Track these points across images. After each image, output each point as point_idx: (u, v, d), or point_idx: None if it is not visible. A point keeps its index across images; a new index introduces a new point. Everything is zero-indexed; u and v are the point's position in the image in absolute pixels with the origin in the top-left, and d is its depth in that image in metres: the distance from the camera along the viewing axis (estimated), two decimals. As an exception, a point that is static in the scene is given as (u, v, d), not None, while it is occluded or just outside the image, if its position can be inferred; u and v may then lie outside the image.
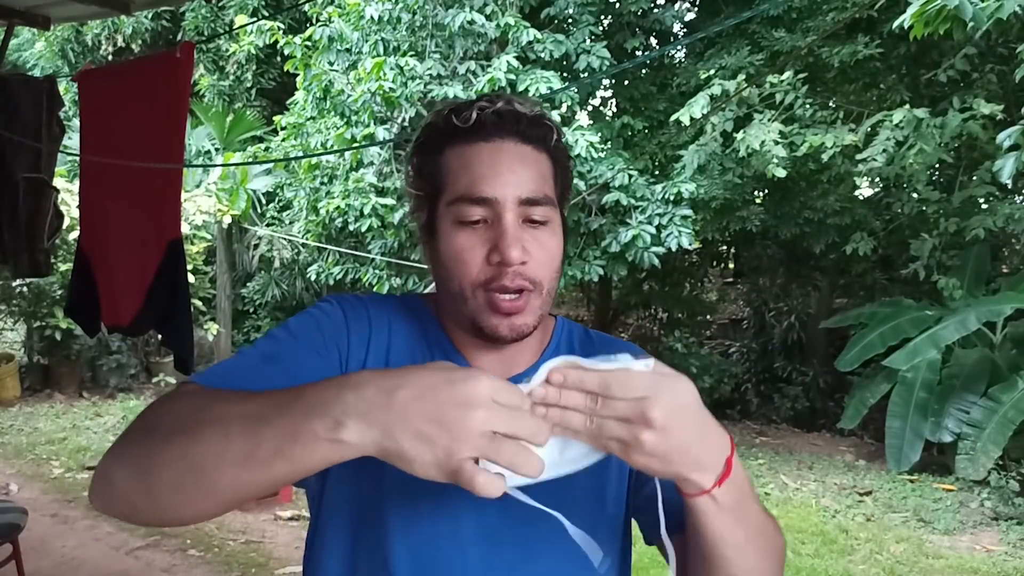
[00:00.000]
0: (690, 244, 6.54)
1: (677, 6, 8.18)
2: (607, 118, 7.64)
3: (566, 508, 0.68)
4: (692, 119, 5.80)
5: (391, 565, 0.77)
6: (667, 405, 0.59)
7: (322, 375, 0.67)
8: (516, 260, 0.75)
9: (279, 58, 8.03)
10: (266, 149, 8.24)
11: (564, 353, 0.86)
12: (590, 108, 8.09)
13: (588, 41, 6.58)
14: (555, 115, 6.14)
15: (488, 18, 6.21)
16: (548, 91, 6.00)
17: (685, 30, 8.22)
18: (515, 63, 6.14)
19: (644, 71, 7.59)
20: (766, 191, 7.82)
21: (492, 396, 0.56)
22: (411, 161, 0.83)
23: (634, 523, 0.90)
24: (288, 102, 7.70)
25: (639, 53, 7.04)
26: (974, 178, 6.19)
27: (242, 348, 0.84)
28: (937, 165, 6.51)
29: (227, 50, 9.58)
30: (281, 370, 0.74)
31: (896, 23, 4.53)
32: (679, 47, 7.96)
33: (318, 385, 0.60)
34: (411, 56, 6.34)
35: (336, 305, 0.83)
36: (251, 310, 9.69)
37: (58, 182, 3.63)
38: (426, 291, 0.89)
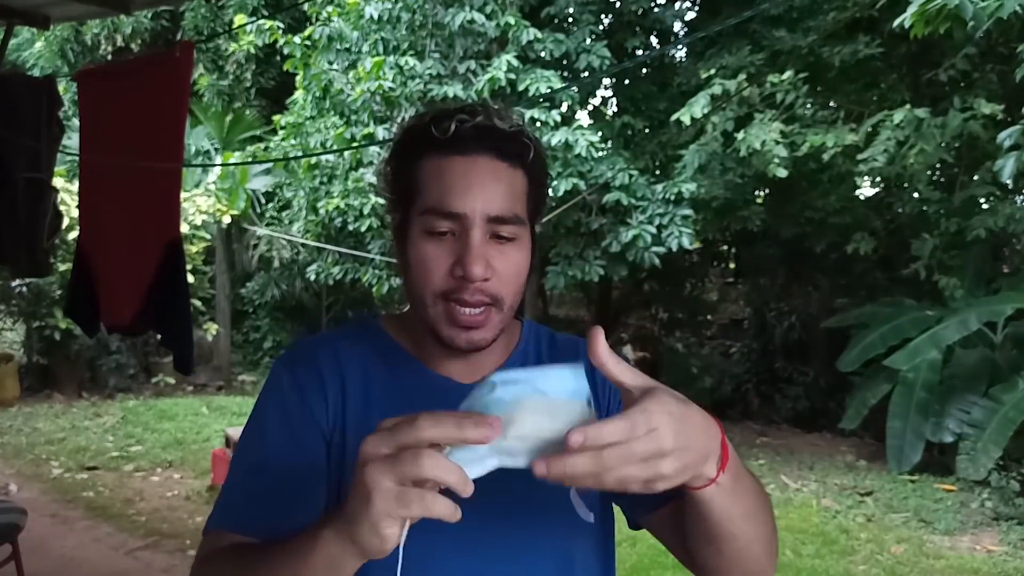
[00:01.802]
0: (691, 244, 6.53)
1: (678, 5, 8.18)
2: (607, 118, 7.64)
3: (536, 491, 0.70)
4: (693, 119, 5.79)
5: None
6: (671, 425, 0.58)
7: (310, 452, 0.79)
8: (478, 277, 0.76)
9: (278, 57, 8.02)
10: (265, 149, 8.24)
11: (532, 357, 0.90)
12: (590, 108, 8.08)
13: (588, 40, 6.57)
14: (555, 114, 6.17)
15: (488, 17, 6.20)
16: (548, 90, 6.00)
17: (686, 29, 8.21)
18: (515, 62, 6.13)
19: (645, 70, 7.59)
20: (767, 191, 7.81)
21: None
22: (388, 164, 0.83)
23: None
24: (287, 101, 7.69)
25: (639, 52, 7.04)
26: (975, 178, 6.19)
27: (233, 458, 0.85)
28: (938, 165, 6.51)
29: (226, 49, 9.58)
30: (274, 477, 0.79)
31: (897, 22, 4.52)
32: (680, 46, 7.96)
33: (315, 535, 0.64)
34: (411, 55, 6.34)
35: (290, 379, 0.84)
36: (250, 310, 9.68)
37: (57, 182, 3.63)
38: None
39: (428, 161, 0.78)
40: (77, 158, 3.18)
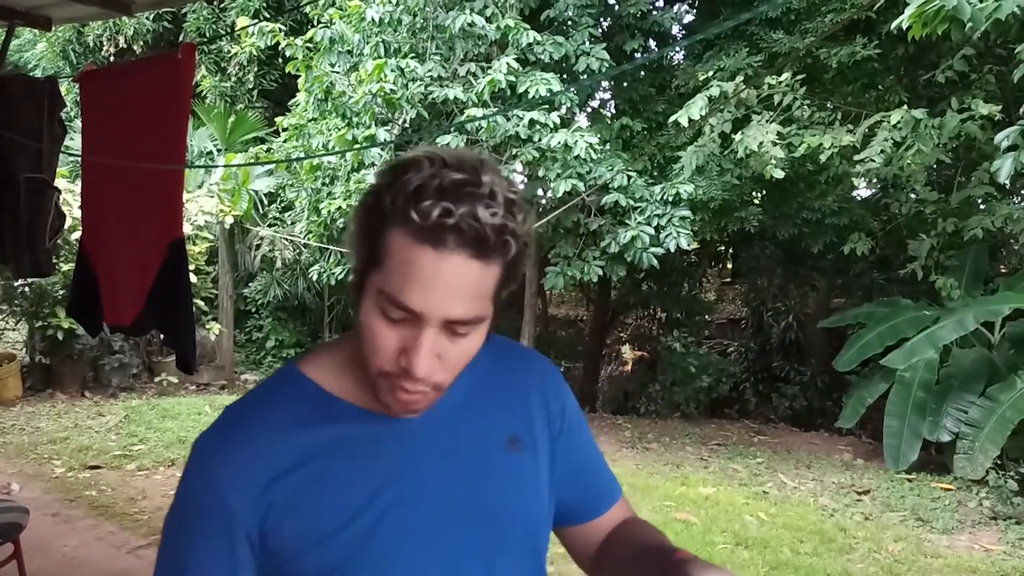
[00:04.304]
0: (688, 245, 6.56)
1: (676, 8, 8.21)
2: (606, 119, 7.67)
3: (508, 541, 0.81)
4: (691, 120, 5.82)
5: None
6: None
7: (243, 565, 0.77)
8: (422, 376, 0.73)
9: (280, 60, 8.06)
10: (268, 150, 8.28)
11: (469, 398, 0.85)
12: (589, 109, 8.12)
13: (587, 43, 6.61)
14: (554, 116, 6.19)
15: (488, 20, 6.23)
16: (548, 93, 6.03)
17: (684, 32, 8.25)
18: (515, 65, 6.16)
19: (643, 73, 7.62)
20: (764, 192, 7.84)
21: None
22: (361, 218, 0.75)
23: None
24: (289, 103, 7.73)
25: (638, 55, 7.07)
26: (972, 178, 6.21)
27: None
28: (935, 165, 6.53)
29: (229, 51, 9.62)
30: None
31: (894, 24, 4.54)
32: (678, 49, 7.99)
33: None
34: (412, 58, 6.37)
35: (210, 487, 0.78)
36: (253, 310, 9.72)
37: (60, 182, 3.65)
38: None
39: (397, 238, 0.70)
40: (79, 159, 3.21)
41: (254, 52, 8.49)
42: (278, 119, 7.71)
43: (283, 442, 0.78)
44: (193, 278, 6.99)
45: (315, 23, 7.11)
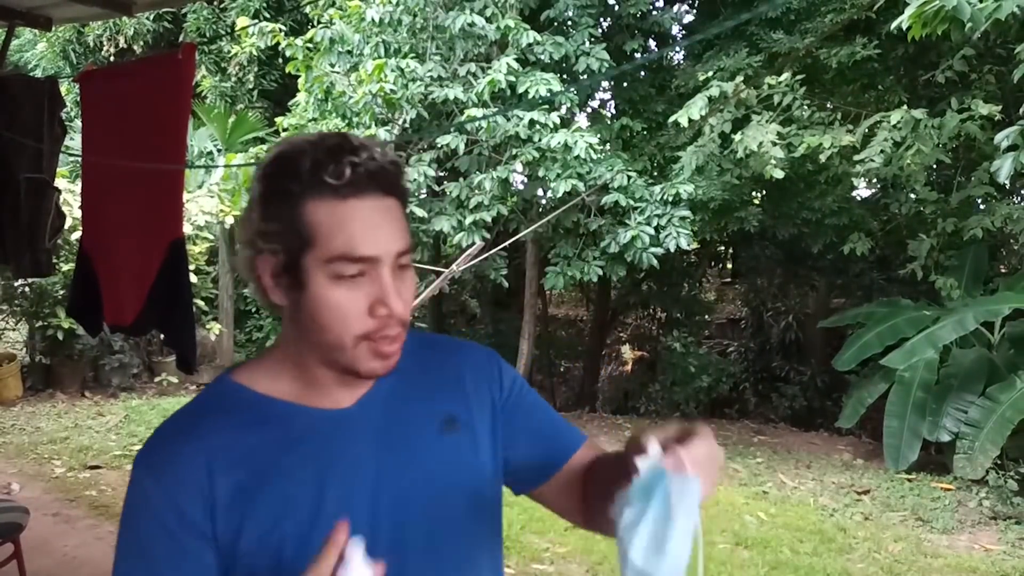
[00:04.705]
0: (688, 245, 6.56)
1: (676, 8, 8.21)
2: (606, 120, 7.68)
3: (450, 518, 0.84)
4: (691, 120, 5.82)
5: None
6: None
7: (200, 559, 0.78)
8: (403, 313, 0.78)
9: (281, 60, 8.05)
10: (268, 150, 8.25)
11: (400, 384, 0.88)
12: (589, 110, 8.13)
13: (587, 43, 6.61)
14: (554, 116, 6.20)
15: (488, 20, 6.24)
16: (548, 93, 6.03)
17: (684, 32, 8.25)
18: (515, 65, 6.17)
19: (643, 73, 7.62)
20: (764, 192, 7.84)
21: None
22: (260, 209, 0.79)
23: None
24: (290, 104, 7.72)
25: (638, 55, 7.08)
26: (972, 178, 6.21)
27: None
28: (935, 165, 6.54)
29: (229, 52, 9.61)
30: None
31: (894, 24, 4.54)
32: (678, 49, 7.99)
33: None
34: (412, 58, 6.37)
35: (157, 489, 0.79)
36: (253, 310, 9.70)
37: (60, 183, 3.65)
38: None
39: (322, 206, 0.75)
40: (79, 159, 3.21)
41: (254, 52, 8.48)
42: (278, 119, 7.70)
43: (222, 445, 0.80)
44: (193, 278, 6.99)
45: (315, 23, 7.11)
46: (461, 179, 6.67)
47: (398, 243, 0.78)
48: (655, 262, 6.36)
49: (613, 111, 8.07)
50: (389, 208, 0.79)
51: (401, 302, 0.78)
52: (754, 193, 7.84)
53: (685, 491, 0.62)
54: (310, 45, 6.72)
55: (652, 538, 0.60)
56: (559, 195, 6.19)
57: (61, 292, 6.82)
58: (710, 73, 6.33)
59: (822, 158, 5.79)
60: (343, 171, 0.75)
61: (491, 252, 6.63)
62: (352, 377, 0.82)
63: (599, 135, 6.55)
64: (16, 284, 6.83)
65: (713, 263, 11.65)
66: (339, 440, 0.83)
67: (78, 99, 3.26)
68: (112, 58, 10.35)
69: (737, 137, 5.84)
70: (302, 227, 0.76)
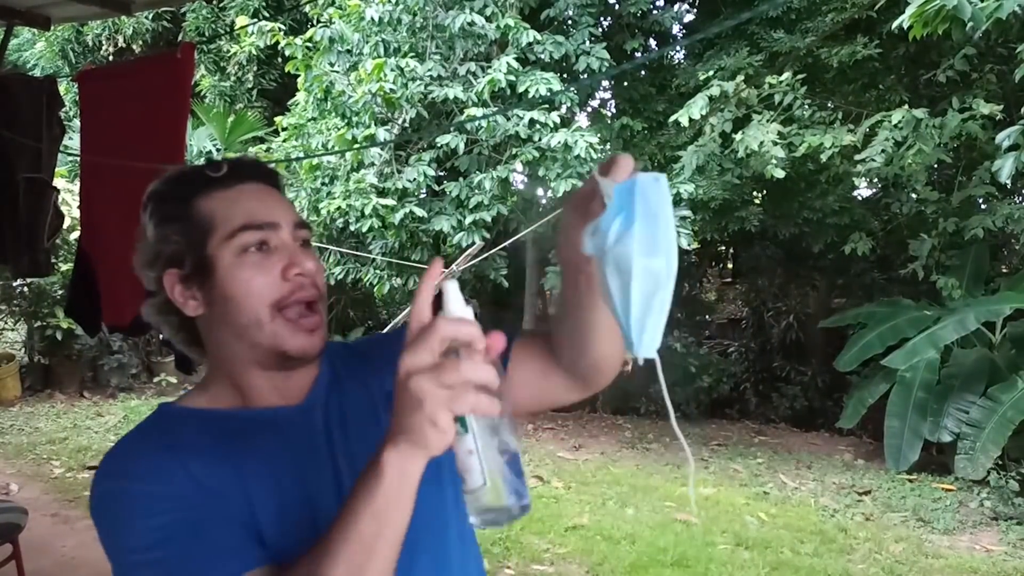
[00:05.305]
0: (689, 244, 6.56)
1: (676, 7, 8.20)
2: (606, 119, 7.66)
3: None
4: (691, 120, 5.81)
5: None
6: None
7: (213, 494, 0.74)
8: (311, 269, 0.81)
9: (280, 59, 8.04)
10: (267, 150, 8.25)
11: (337, 376, 0.89)
12: (589, 109, 8.11)
13: (588, 42, 6.60)
14: (555, 116, 6.20)
15: (488, 20, 6.23)
16: (548, 92, 6.02)
17: (684, 31, 8.24)
18: (515, 64, 6.16)
19: (643, 72, 7.61)
20: (765, 191, 7.83)
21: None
22: (153, 218, 0.85)
23: None
24: (289, 103, 7.71)
25: (638, 54, 7.07)
26: (973, 178, 6.20)
27: (144, 559, 0.73)
28: (936, 165, 6.53)
29: (228, 51, 9.59)
30: (212, 521, 0.73)
31: (895, 23, 4.54)
32: (678, 48, 7.98)
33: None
34: (412, 57, 6.36)
35: (138, 469, 0.77)
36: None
37: (59, 182, 3.65)
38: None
39: (213, 197, 0.83)
40: (78, 158, 3.20)
41: (253, 52, 8.46)
42: (277, 119, 7.69)
43: (185, 450, 0.78)
44: (192, 278, 6.96)
45: (315, 22, 7.10)
46: (461, 179, 6.66)
47: (293, 215, 0.84)
48: (655, 262, 6.34)
49: (613, 110, 8.06)
50: (272, 193, 0.86)
51: (313, 263, 0.82)
52: (755, 193, 7.84)
53: (658, 188, 0.67)
54: (309, 44, 6.71)
55: (646, 236, 0.65)
56: (559, 195, 6.18)
57: (60, 292, 6.82)
58: (711, 72, 6.32)
59: (823, 158, 5.78)
60: (221, 166, 0.84)
61: (491, 252, 6.62)
62: (285, 365, 0.82)
63: (599, 134, 6.54)
64: (15, 284, 6.83)
65: (714, 263, 11.64)
66: (293, 437, 0.83)
67: (77, 98, 3.25)
68: (111, 57, 10.33)
69: (738, 137, 5.83)
70: (200, 218, 0.82)
